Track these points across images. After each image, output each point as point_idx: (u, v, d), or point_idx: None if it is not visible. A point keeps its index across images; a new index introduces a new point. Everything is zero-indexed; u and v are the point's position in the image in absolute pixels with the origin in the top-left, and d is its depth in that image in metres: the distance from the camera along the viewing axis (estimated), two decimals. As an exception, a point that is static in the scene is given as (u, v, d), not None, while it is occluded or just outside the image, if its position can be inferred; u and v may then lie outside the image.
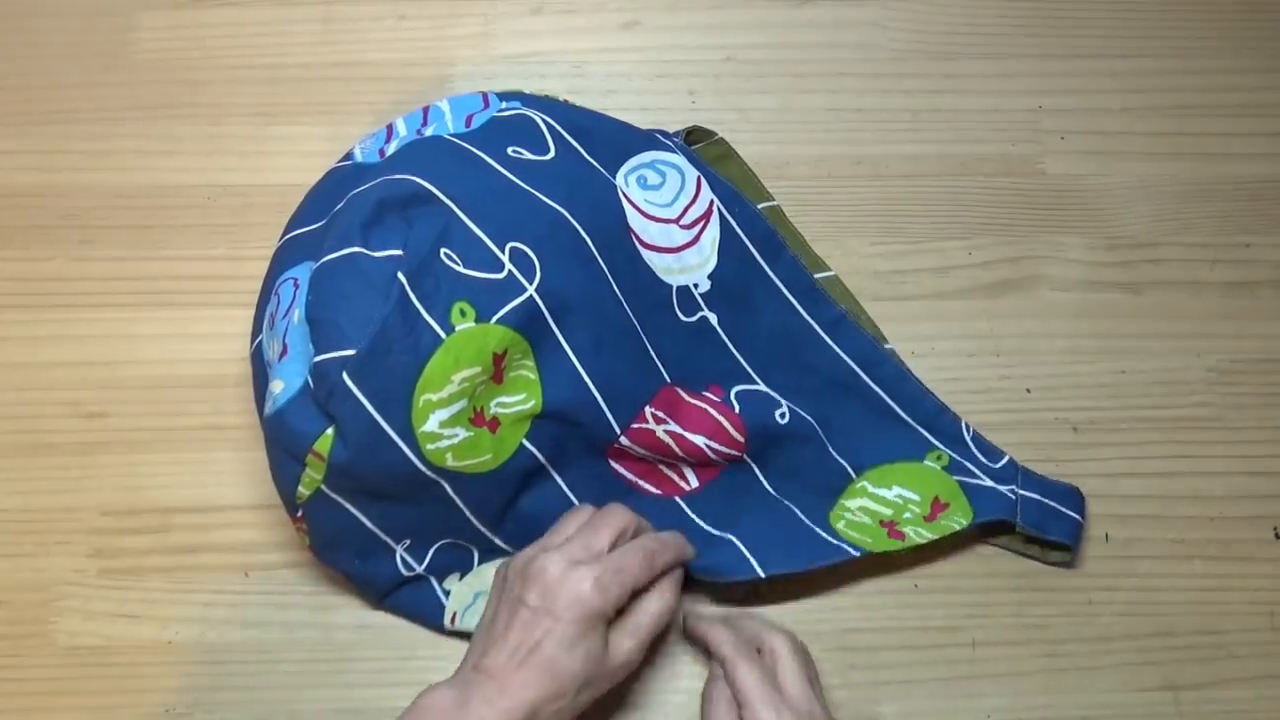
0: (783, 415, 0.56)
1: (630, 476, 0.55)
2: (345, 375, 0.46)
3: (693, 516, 0.55)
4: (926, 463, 0.58)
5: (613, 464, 0.55)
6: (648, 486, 0.55)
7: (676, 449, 0.54)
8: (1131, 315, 0.62)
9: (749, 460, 0.56)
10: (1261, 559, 0.58)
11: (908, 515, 0.56)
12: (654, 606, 0.49)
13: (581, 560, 0.47)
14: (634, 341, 0.54)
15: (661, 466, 0.55)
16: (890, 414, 0.59)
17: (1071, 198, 0.63)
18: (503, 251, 0.50)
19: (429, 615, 0.55)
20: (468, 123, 0.56)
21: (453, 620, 0.55)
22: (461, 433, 0.49)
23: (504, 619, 0.47)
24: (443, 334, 0.48)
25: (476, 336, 0.48)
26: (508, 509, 0.53)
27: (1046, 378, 0.60)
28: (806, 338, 0.59)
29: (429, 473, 0.49)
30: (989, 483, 0.57)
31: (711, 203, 0.58)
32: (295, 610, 0.56)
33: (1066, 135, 0.64)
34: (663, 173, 0.57)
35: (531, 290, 0.50)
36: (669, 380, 0.55)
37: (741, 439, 0.55)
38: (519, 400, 0.50)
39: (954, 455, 0.58)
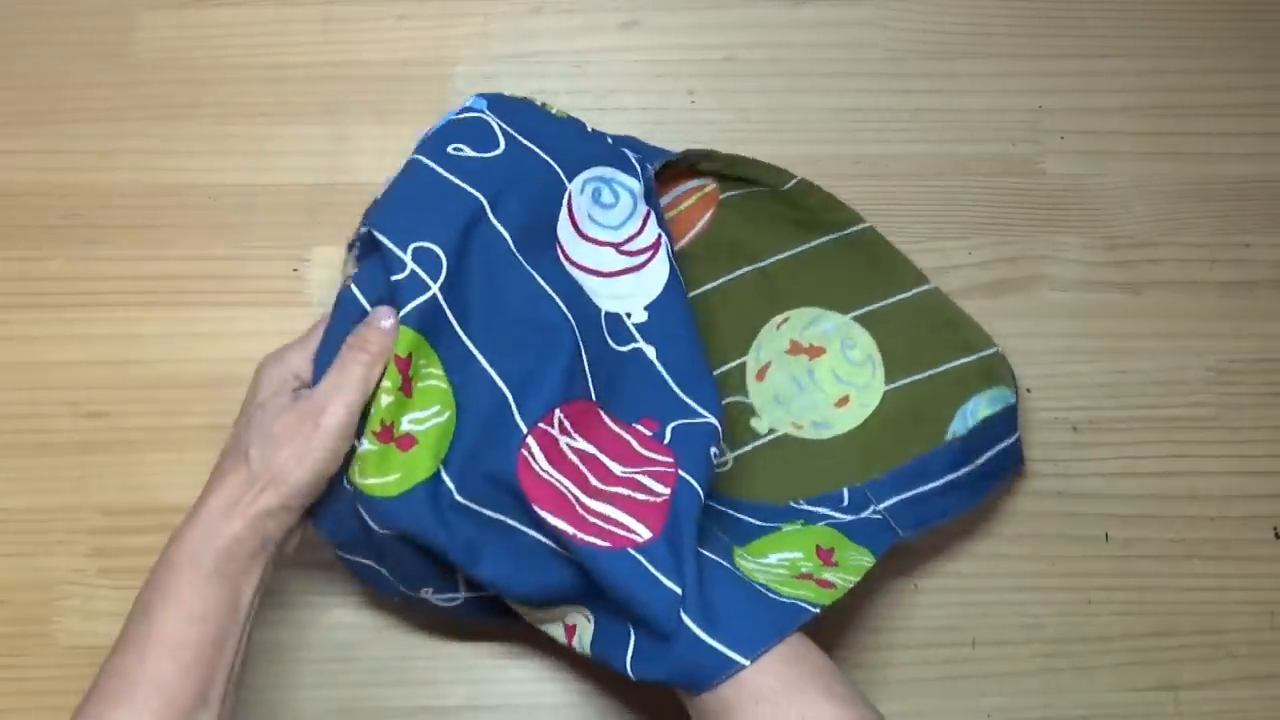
0: (716, 455, 0.51)
1: (566, 528, 0.47)
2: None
3: (650, 569, 0.46)
4: (784, 529, 0.54)
5: (540, 512, 0.48)
6: (591, 539, 0.47)
7: (589, 475, 0.49)
8: (1130, 315, 0.62)
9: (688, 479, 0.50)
10: (1261, 559, 0.58)
11: (805, 569, 0.50)
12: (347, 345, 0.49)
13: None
14: (556, 341, 0.51)
15: (589, 518, 0.48)
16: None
17: (1071, 198, 0.64)
18: (405, 252, 0.49)
19: (501, 623, 0.53)
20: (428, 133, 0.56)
21: (569, 634, 0.50)
22: (365, 444, 0.47)
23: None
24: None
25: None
26: (471, 547, 0.48)
27: (1046, 378, 0.60)
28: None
29: (348, 485, 0.48)
30: (848, 517, 0.54)
31: (659, 238, 0.56)
32: (295, 610, 0.56)
33: (1066, 135, 0.64)
34: (617, 193, 0.56)
35: (435, 289, 0.49)
36: (593, 398, 0.51)
37: (671, 461, 0.50)
38: (432, 414, 0.49)
39: (805, 518, 0.54)
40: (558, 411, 0.50)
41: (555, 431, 0.50)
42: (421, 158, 0.52)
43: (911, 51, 0.66)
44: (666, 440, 0.52)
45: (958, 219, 0.63)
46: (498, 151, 0.53)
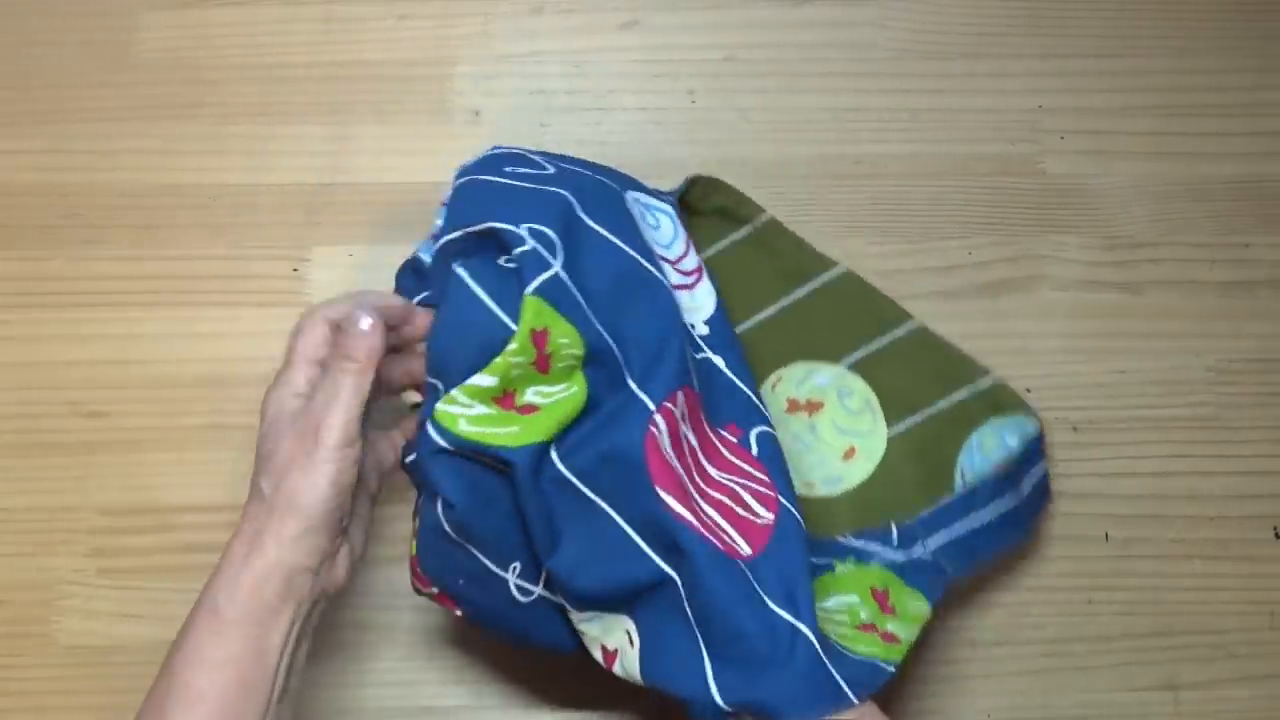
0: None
1: (688, 516, 0.46)
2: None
3: (756, 587, 0.45)
4: (838, 570, 0.52)
5: (662, 494, 0.46)
6: (709, 536, 0.45)
7: (693, 470, 0.48)
8: (1130, 315, 0.62)
9: (790, 507, 0.49)
10: (1261, 559, 0.58)
11: (865, 617, 0.50)
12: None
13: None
14: (671, 325, 0.49)
15: (708, 511, 0.47)
16: None
17: (1071, 198, 0.64)
18: (519, 228, 0.48)
19: (561, 642, 0.50)
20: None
21: (608, 660, 0.48)
22: (480, 407, 0.46)
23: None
24: (513, 326, 0.46)
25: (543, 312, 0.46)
26: (554, 527, 0.47)
27: (1046, 378, 0.60)
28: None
29: (436, 436, 0.46)
30: (900, 557, 0.53)
31: (700, 264, 0.55)
32: (295, 610, 0.56)
33: (1066, 135, 0.64)
34: (657, 218, 0.55)
35: (558, 265, 0.47)
36: (697, 389, 0.50)
37: (769, 481, 0.49)
38: (561, 389, 0.47)
39: (856, 554, 0.53)
40: (680, 394, 0.48)
41: (677, 414, 0.48)
42: (477, 177, 0.51)
43: (911, 51, 0.66)
44: (753, 449, 0.51)
45: (957, 219, 0.63)
46: (551, 171, 0.53)
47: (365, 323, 0.46)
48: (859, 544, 0.53)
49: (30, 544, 0.57)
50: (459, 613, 0.50)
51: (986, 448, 0.54)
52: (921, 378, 0.57)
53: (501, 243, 0.48)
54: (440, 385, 0.48)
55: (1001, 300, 0.62)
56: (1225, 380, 0.61)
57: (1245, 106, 0.65)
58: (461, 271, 0.48)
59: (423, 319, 0.50)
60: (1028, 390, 0.60)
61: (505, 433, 0.46)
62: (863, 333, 0.58)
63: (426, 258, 0.53)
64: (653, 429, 0.47)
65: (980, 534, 0.53)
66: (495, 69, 0.65)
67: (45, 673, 0.55)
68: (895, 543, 0.53)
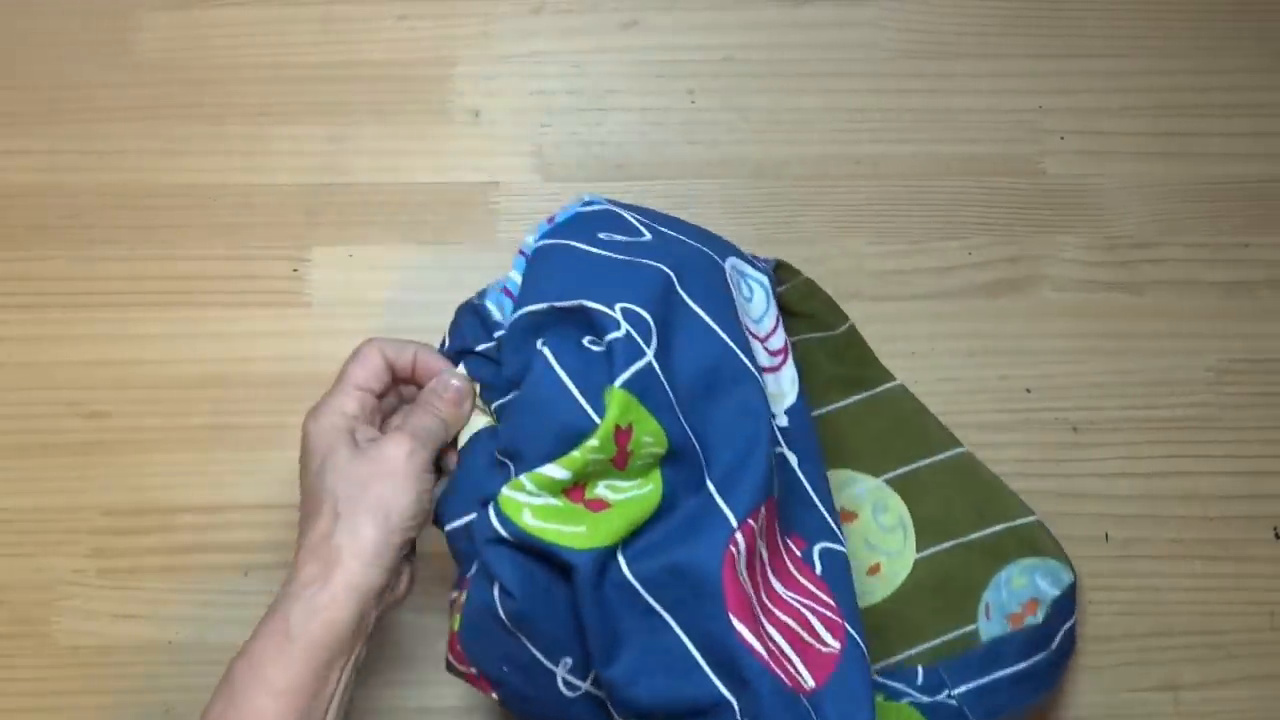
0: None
1: (757, 647, 0.43)
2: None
3: None
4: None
5: (735, 623, 0.43)
6: (774, 669, 0.43)
7: (761, 589, 0.45)
8: (1131, 315, 0.62)
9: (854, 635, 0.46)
10: (1261, 559, 0.58)
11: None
12: (419, 402, 0.48)
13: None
14: (760, 429, 0.46)
15: (774, 636, 0.44)
16: None
17: (1071, 198, 0.64)
18: (614, 309, 0.45)
19: None
20: (549, 222, 0.52)
21: None
22: (547, 497, 0.44)
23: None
24: (596, 420, 0.44)
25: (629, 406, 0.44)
26: (614, 635, 0.44)
27: (1046, 378, 0.60)
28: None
29: (498, 525, 0.44)
30: (926, 699, 0.51)
31: (787, 343, 0.52)
32: (295, 610, 0.56)
33: (1066, 135, 0.64)
34: (751, 287, 0.52)
35: (650, 355, 0.45)
36: (776, 495, 0.47)
37: (835, 606, 0.47)
38: (635, 485, 0.45)
39: (886, 691, 0.52)
40: (762, 508, 0.45)
41: (757, 530, 0.45)
42: (569, 243, 0.48)
43: (911, 52, 0.66)
44: (816, 568, 0.48)
45: (957, 219, 0.63)
46: (648, 237, 0.50)
47: (459, 380, 0.49)
48: (885, 681, 0.52)
49: (30, 544, 0.57)
50: (494, 696, 0.47)
51: (1015, 585, 0.54)
52: (960, 506, 0.55)
53: (591, 322, 0.45)
54: (511, 466, 0.46)
55: (1001, 300, 0.62)
56: (1225, 380, 0.61)
57: (1245, 106, 0.65)
58: (546, 353, 0.46)
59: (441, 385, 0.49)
60: (1028, 390, 0.60)
61: (571, 532, 0.44)
62: (908, 451, 0.57)
63: (494, 309, 0.50)
64: (731, 549, 0.44)
65: (1007, 686, 0.52)
66: (495, 69, 0.65)
67: (45, 673, 0.56)
68: (920, 684, 0.52)
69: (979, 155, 0.64)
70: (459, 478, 0.49)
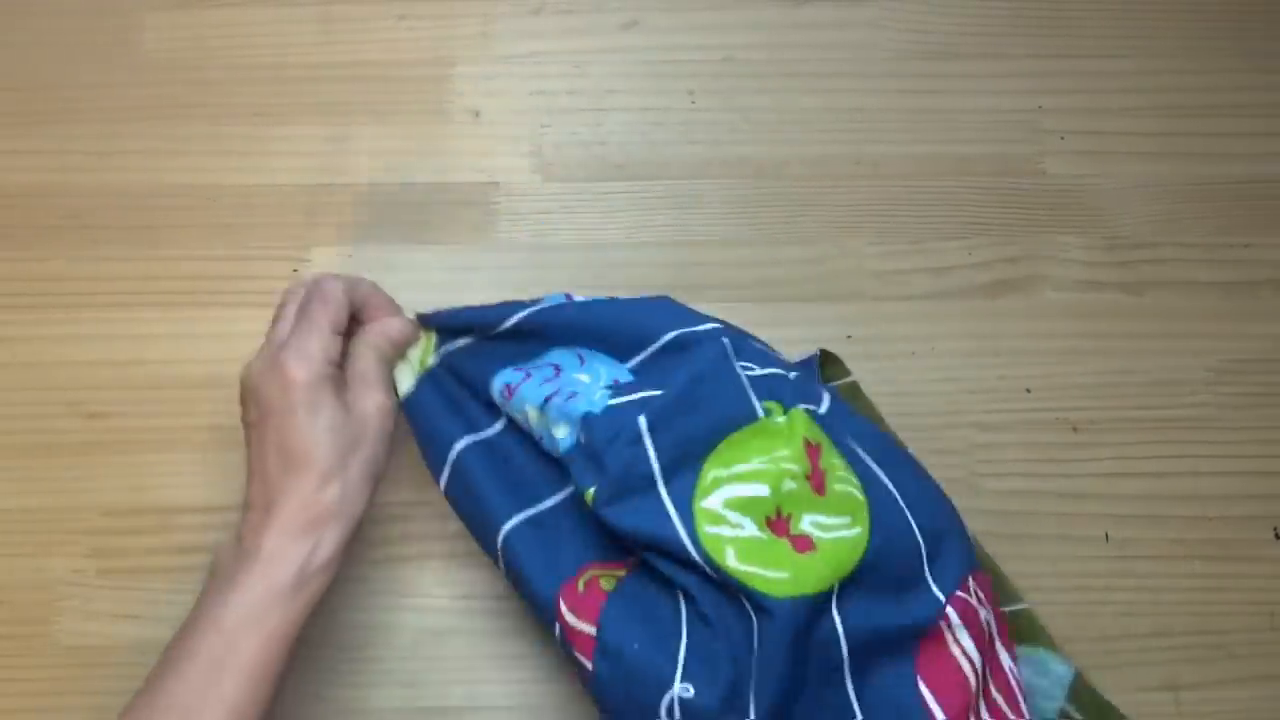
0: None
1: (935, 710, 0.41)
2: (641, 419, 0.42)
3: None
4: None
5: (920, 680, 0.42)
6: None
7: (988, 668, 0.43)
8: (1131, 315, 0.62)
9: None
10: (1261, 559, 0.58)
11: None
12: (369, 343, 0.49)
13: (273, 348, 0.47)
14: (950, 507, 0.47)
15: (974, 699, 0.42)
16: None
17: (1071, 198, 0.63)
18: (789, 373, 0.47)
19: None
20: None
21: None
22: (751, 527, 0.41)
23: (248, 454, 0.47)
24: (760, 412, 0.43)
25: (786, 427, 0.43)
26: (788, 691, 0.41)
27: (1046, 378, 0.60)
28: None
29: (700, 562, 0.41)
30: None
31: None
32: (295, 610, 0.56)
33: (1066, 135, 0.64)
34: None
35: (822, 410, 0.45)
36: (977, 565, 0.46)
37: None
38: (842, 524, 0.42)
39: None
40: (971, 579, 0.44)
41: (973, 601, 0.43)
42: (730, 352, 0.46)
43: (911, 52, 0.66)
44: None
45: (957, 219, 0.63)
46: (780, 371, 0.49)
47: (409, 324, 0.51)
48: None
49: (30, 544, 0.57)
50: (590, 665, 0.44)
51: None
52: None
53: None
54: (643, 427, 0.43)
55: (1001, 300, 0.62)
56: (1225, 380, 0.61)
57: (1245, 107, 0.65)
58: (726, 342, 0.45)
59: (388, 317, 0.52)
60: (1027, 390, 0.60)
61: (773, 577, 0.40)
62: None
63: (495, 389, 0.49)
64: (941, 623, 0.42)
65: None
66: (495, 69, 0.65)
67: (45, 673, 0.55)
68: None
69: (979, 155, 0.64)
70: (424, 435, 0.50)
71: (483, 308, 0.50)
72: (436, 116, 0.64)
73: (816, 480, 0.42)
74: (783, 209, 0.63)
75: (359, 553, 0.57)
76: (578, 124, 0.64)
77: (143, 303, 0.61)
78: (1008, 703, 0.44)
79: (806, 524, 0.42)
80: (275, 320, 0.50)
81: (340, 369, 0.48)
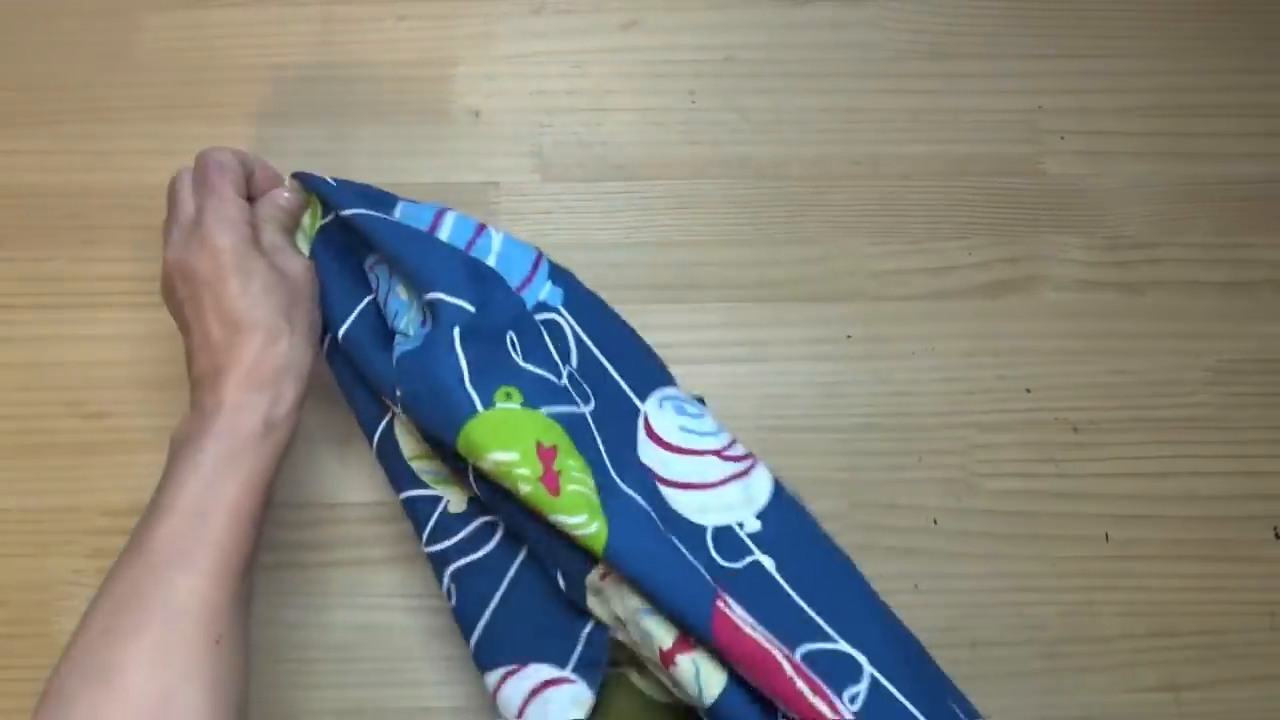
0: (853, 699, 0.43)
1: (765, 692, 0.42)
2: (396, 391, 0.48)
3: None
4: None
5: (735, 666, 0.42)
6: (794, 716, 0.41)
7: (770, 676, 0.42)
8: (1131, 315, 0.62)
9: None
10: (1261, 559, 0.58)
11: None
12: (268, 218, 0.51)
13: (186, 227, 0.48)
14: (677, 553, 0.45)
15: (798, 683, 0.42)
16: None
17: (1071, 198, 0.64)
18: (562, 365, 0.49)
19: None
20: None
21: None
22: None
23: (184, 336, 0.48)
24: (480, 405, 0.45)
25: (516, 419, 0.45)
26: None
27: (1046, 378, 0.60)
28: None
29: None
30: None
31: (752, 454, 0.52)
32: (295, 610, 0.56)
33: (1066, 135, 0.64)
34: (700, 409, 0.53)
35: (585, 410, 0.47)
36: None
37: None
38: (580, 522, 0.43)
39: None
40: (718, 601, 0.43)
41: (732, 614, 0.43)
42: (512, 352, 0.49)
43: (911, 52, 0.66)
44: (796, 681, 0.43)
45: (957, 219, 0.63)
46: (569, 369, 0.51)
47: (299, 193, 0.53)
48: None
49: (30, 544, 0.57)
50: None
51: None
52: None
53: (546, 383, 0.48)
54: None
55: (1001, 300, 0.62)
56: (1225, 380, 0.61)
57: (1245, 106, 0.65)
58: (455, 331, 0.47)
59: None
60: (1027, 390, 0.60)
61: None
62: None
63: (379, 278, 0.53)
64: (719, 603, 0.43)
65: None
66: (495, 69, 0.65)
67: (45, 673, 0.55)
68: None
69: (979, 155, 0.64)
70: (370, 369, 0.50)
71: (340, 184, 0.53)
72: (436, 116, 0.64)
73: (550, 481, 0.44)
74: (783, 209, 0.63)
75: (358, 553, 0.57)
76: (578, 124, 0.64)
77: (143, 303, 0.61)
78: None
79: (552, 520, 0.44)
80: (172, 203, 0.50)
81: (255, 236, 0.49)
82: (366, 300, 0.52)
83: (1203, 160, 0.64)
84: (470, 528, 0.49)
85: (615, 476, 0.46)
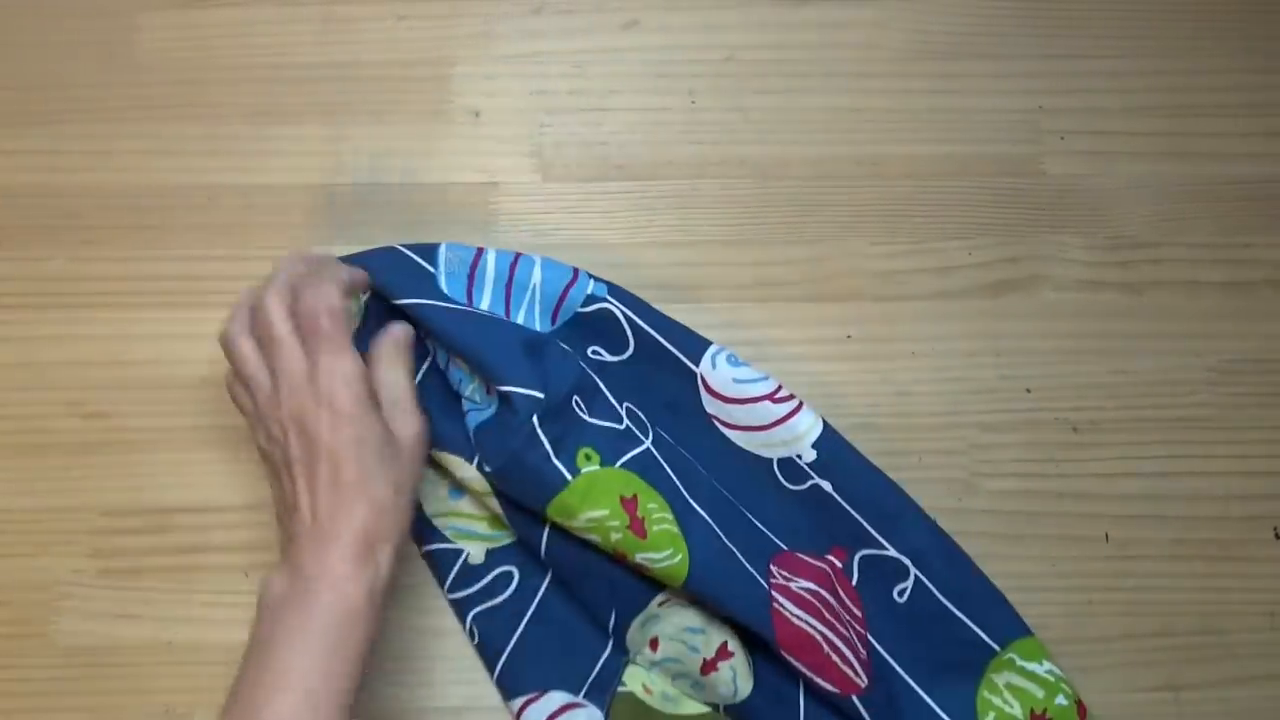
0: (902, 593, 0.55)
1: (805, 670, 0.51)
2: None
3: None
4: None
5: (783, 650, 0.51)
6: (825, 684, 0.51)
7: (822, 608, 0.52)
8: (1131, 315, 0.62)
9: (878, 647, 0.54)
10: (1261, 559, 0.58)
11: (1060, 701, 0.52)
12: (388, 364, 0.50)
13: (298, 381, 0.46)
14: (739, 511, 0.55)
15: (833, 656, 0.51)
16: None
17: (1071, 198, 0.64)
18: (620, 408, 0.55)
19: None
20: (554, 315, 0.58)
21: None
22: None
23: (278, 482, 0.47)
24: (569, 475, 0.51)
25: (600, 480, 0.51)
26: None
27: (1046, 378, 0.60)
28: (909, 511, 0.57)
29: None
30: None
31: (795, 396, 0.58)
32: (295, 610, 0.56)
33: (1066, 135, 0.64)
34: (744, 360, 0.58)
35: (648, 443, 0.54)
36: (784, 548, 0.55)
37: (859, 614, 0.54)
38: (666, 555, 0.51)
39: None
40: (772, 564, 0.53)
41: (780, 580, 0.52)
42: (580, 413, 0.54)
43: (912, 52, 0.66)
44: (854, 576, 0.55)
45: (958, 219, 0.63)
46: (628, 353, 0.58)
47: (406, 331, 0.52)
48: None
49: (30, 544, 0.57)
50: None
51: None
52: None
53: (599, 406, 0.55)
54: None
55: (1001, 300, 0.62)
56: (1225, 380, 0.61)
57: (1247, 106, 0.65)
58: (534, 420, 0.52)
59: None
60: (1027, 390, 0.60)
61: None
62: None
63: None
64: (775, 606, 0.51)
65: None
66: (495, 69, 0.65)
67: (45, 673, 0.55)
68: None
69: (979, 155, 0.64)
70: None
71: (393, 270, 0.55)
72: (436, 116, 0.64)
73: (636, 527, 0.51)
74: (783, 209, 0.63)
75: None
76: (578, 124, 0.64)
77: (143, 303, 0.61)
78: (857, 626, 0.54)
79: (639, 559, 0.51)
80: (272, 347, 0.47)
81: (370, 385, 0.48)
82: (426, 364, 0.56)
83: (1203, 160, 0.64)
84: (489, 577, 0.56)
85: (688, 497, 0.53)
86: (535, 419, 0.51)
